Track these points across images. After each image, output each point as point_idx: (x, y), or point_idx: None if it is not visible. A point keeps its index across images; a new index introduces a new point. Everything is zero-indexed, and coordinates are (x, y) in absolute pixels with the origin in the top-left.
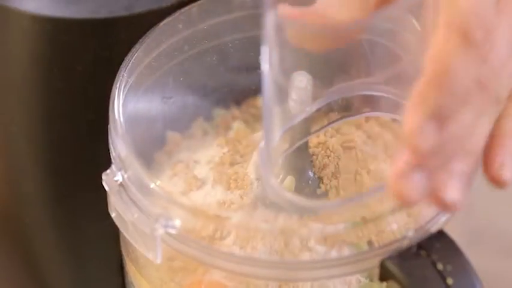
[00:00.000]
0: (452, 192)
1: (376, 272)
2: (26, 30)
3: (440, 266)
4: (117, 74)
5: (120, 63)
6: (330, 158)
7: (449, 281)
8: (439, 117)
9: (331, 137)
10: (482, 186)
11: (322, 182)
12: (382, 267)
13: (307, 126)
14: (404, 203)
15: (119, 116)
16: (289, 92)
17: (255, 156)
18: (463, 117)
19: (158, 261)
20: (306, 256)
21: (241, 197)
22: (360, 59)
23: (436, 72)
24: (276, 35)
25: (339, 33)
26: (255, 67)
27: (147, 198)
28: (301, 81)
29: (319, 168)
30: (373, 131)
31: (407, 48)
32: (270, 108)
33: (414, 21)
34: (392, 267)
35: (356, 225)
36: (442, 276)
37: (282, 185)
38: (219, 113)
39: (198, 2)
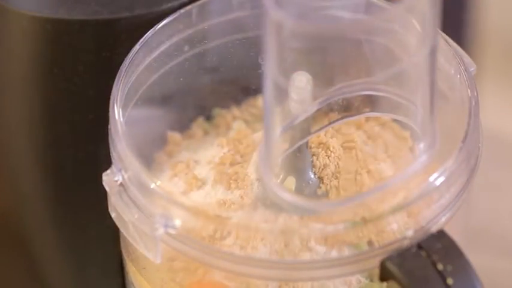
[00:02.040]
0: None
1: (376, 272)
2: (26, 31)
3: (440, 266)
4: (118, 74)
5: (121, 64)
6: (330, 158)
7: (450, 281)
8: None
9: (332, 137)
10: (482, 186)
11: (323, 182)
12: (382, 267)
13: (307, 126)
14: None
15: (119, 116)
16: (289, 92)
17: (255, 156)
18: None
19: (158, 261)
20: (306, 256)
21: (241, 197)
22: (360, 59)
23: None
24: (276, 35)
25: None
26: (255, 67)
27: (147, 198)
28: (301, 81)
29: (319, 168)
30: (373, 131)
31: (407, 48)
32: (270, 108)
33: (414, 21)
34: (392, 267)
35: (356, 225)
36: (442, 277)
37: (282, 185)
38: (219, 113)
39: (198, 2)
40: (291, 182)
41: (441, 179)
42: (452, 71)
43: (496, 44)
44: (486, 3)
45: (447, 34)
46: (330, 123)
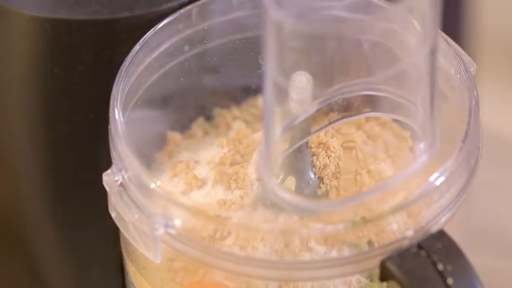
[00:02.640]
0: None
1: (376, 272)
2: (26, 31)
3: (440, 266)
4: (118, 74)
5: (121, 64)
6: (330, 158)
7: (450, 281)
8: None
9: (332, 137)
10: (482, 186)
11: (323, 182)
12: (382, 267)
13: (307, 126)
14: None
15: (119, 116)
16: (289, 92)
17: (255, 156)
18: None
19: (158, 261)
20: (306, 256)
21: (241, 197)
22: (360, 59)
23: None
24: (276, 35)
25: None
26: (255, 67)
27: (147, 198)
28: (301, 81)
29: (319, 168)
30: (373, 131)
31: (407, 48)
32: (270, 108)
33: (414, 21)
34: (392, 267)
35: (356, 225)
36: (443, 277)
37: (282, 185)
38: (219, 113)
39: (198, 2)
40: (291, 182)
41: (441, 179)
42: (452, 71)
43: (496, 44)
44: (486, 3)
45: (447, 34)
46: (330, 123)
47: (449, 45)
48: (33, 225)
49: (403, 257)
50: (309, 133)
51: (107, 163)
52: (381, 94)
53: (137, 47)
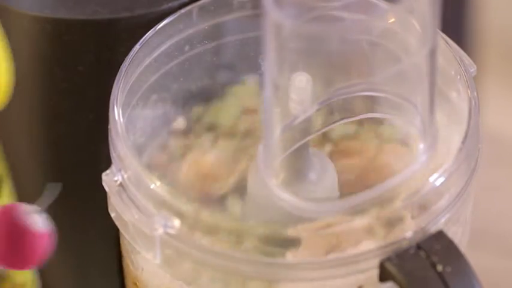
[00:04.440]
0: None
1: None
2: (26, 31)
3: (439, 267)
4: (118, 74)
5: (121, 64)
6: (331, 158)
7: (449, 282)
8: None
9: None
10: (482, 186)
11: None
12: (382, 268)
13: (307, 127)
14: None
15: (119, 116)
16: (289, 92)
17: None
18: None
19: (157, 261)
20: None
21: None
22: (360, 59)
23: None
24: (275, 35)
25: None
26: (255, 67)
27: (147, 198)
28: (301, 81)
29: (319, 168)
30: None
31: (407, 48)
32: (270, 109)
33: (414, 21)
34: (391, 268)
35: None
36: (442, 278)
37: (282, 186)
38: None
39: (199, 3)
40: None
41: (441, 180)
42: (453, 72)
43: (497, 45)
44: (486, 3)
45: (449, 35)
46: (330, 123)
47: (449, 46)
48: None
49: (402, 258)
50: (309, 133)
51: (107, 163)
52: (381, 94)
53: (137, 47)
